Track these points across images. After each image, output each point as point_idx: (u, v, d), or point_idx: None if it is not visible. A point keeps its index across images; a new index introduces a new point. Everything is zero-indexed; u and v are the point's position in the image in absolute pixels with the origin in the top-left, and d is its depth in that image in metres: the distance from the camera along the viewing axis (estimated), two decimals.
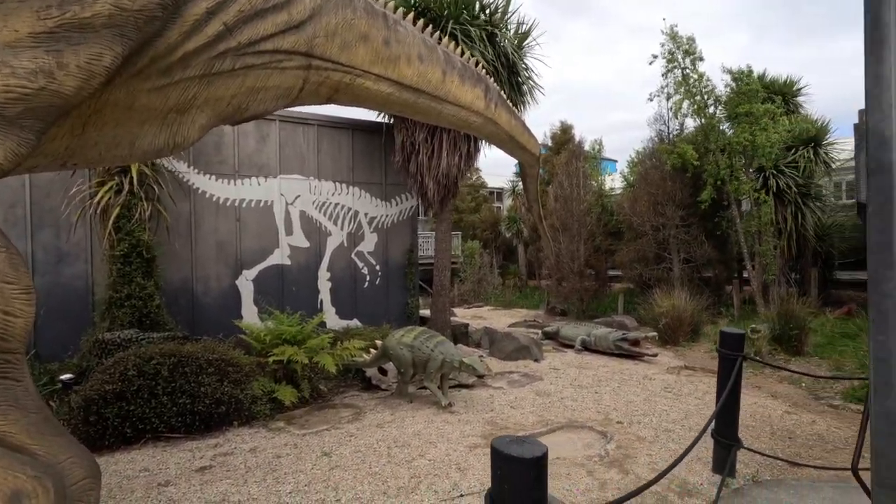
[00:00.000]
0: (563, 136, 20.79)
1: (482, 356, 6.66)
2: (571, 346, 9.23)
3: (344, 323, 8.54)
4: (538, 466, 1.36)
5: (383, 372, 6.37)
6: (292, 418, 5.18)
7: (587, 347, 8.98)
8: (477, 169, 27.56)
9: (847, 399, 5.87)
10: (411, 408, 5.44)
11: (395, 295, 9.35)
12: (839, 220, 12.92)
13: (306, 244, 8.33)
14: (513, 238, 23.02)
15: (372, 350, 5.98)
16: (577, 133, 21.28)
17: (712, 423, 3.80)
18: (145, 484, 3.67)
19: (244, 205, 7.77)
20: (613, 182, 19.91)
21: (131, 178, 6.11)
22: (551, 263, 14.47)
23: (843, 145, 12.71)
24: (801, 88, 14.55)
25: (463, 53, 6.94)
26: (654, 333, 8.91)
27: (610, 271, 16.20)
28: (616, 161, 31.21)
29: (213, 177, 7.51)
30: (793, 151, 12.18)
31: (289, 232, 8.17)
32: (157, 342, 5.25)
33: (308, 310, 7.59)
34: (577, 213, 13.96)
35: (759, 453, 3.96)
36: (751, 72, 11.37)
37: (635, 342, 8.32)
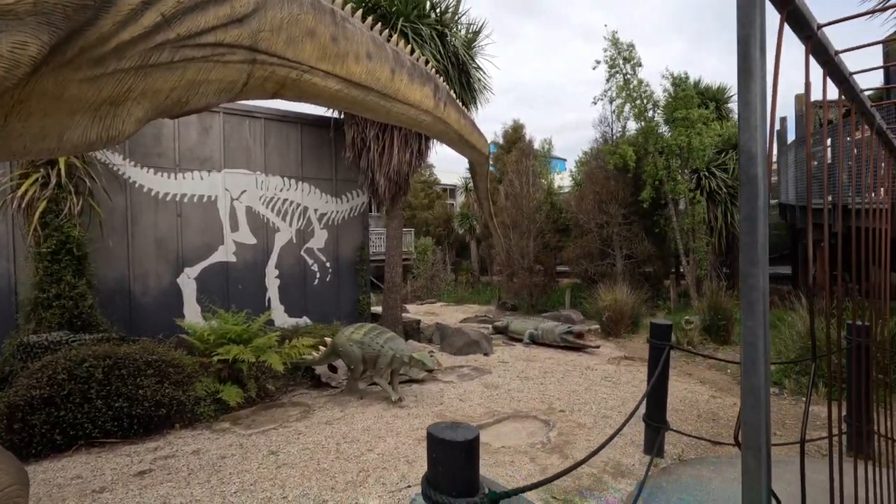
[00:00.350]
0: (515, 135, 21.22)
1: (433, 352, 6.76)
2: (520, 340, 9.51)
3: (293, 321, 8.40)
4: (469, 449, 1.46)
5: (333, 369, 6.35)
6: (238, 419, 5.07)
7: (535, 341, 9.28)
8: (430, 165, 27.66)
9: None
10: (361, 404, 5.46)
11: (347, 292, 9.29)
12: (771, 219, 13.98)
13: (253, 241, 8.12)
14: (465, 235, 23.29)
15: (321, 347, 5.95)
16: (529, 132, 21.76)
17: (643, 409, 4.08)
18: (78, 491, 3.50)
19: (186, 200, 7.47)
20: (562, 180, 20.58)
21: (59, 170, 5.74)
22: (502, 260, 14.80)
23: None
24: (731, 96, 15.61)
25: (413, 52, 6.97)
26: (597, 326, 9.34)
27: (559, 267, 16.77)
28: (566, 160, 32.25)
29: (152, 170, 7.17)
30: (723, 154, 13.06)
31: (234, 228, 7.93)
32: (90, 344, 4.98)
33: (255, 308, 7.42)
34: (526, 211, 14.34)
35: (686, 434, 4.29)
36: (687, 78, 12.09)
37: (580, 335, 8.69)
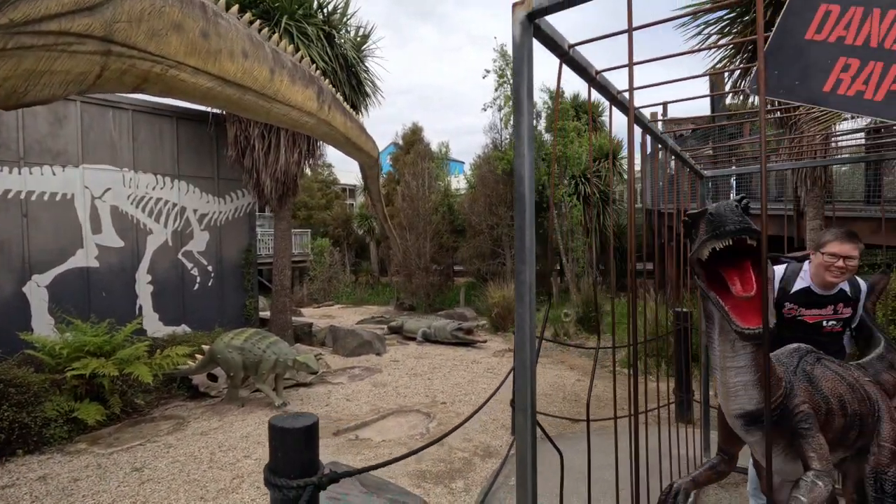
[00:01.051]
0: (413, 137, 21.53)
1: (321, 354, 6.73)
2: (414, 339, 9.78)
3: (170, 329, 7.80)
4: (307, 434, 1.59)
5: (213, 378, 6.05)
6: (98, 438, 4.65)
7: (428, 339, 9.60)
8: (329, 165, 27.03)
9: (622, 365, 7.33)
10: (242, 412, 5.30)
11: (232, 297, 8.83)
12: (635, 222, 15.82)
13: (120, 244, 7.41)
14: (365, 235, 23.14)
15: (198, 356, 5.65)
16: (427, 134, 22.28)
17: (497, 394, 4.50)
18: None
19: (34, 198, 6.61)
20: (459, 183, 21.33)
21: None
22: (399, 260, 14.99)
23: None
24: (604, 110, 17.36)
25: (298, 51, 6.89)
26: (485, 322, 9.91)
27: (455, 267, 17.40)
28: (463, 163, 33.35)
29: None
30: (597, 163, 14.51)
31: (96, 230, 7.18)
32: None
33: (123, 317, 6.78)
34: (422, 212, 14.68)
35: (549, 415, 4.80)
36: (563, 93, 13.23)
37: (469, 331, 9.16)
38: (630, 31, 1.24)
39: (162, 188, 7.90)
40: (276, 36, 3.87)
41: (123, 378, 5.18)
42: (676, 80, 1.85)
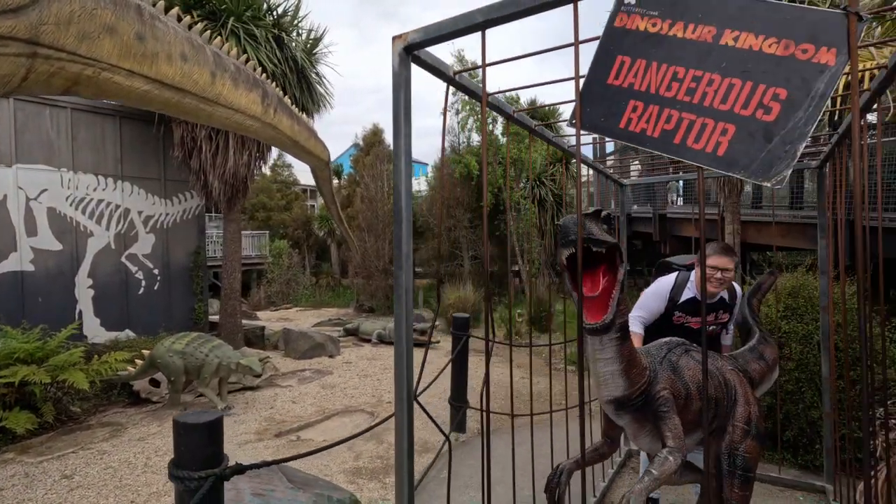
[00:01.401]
0: (374, 138, 21.52)
1: (268, 357, 6.72)
2: (370, 340, 9.85)
3: (112, 335, 7.59)
4: (210, 429, 1.69)
5: (155, 383, 5.96)
6: (28, 447, 4.53)
7: (383, 340, 9.70)
8: (289, 165, 26.64)
9: (568, 363, 7.64)
10: None
11: (180, 301, 8.66)
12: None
13: (58, 247, 7.16)
14: (326, 237, 22.94)
15: (138, 361, 5.56)
16: (389, 136, 22.28)
17: (441, 392, 4.67)
18: None
19: None
20: (420, 185, 21.44)
21: None
22: (358, 262, 14.99)
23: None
24: (561, 114, 17.87)
25: (245, 54, 6.87)
26: (440, 322, 10.07)
27: (416, 269, 17.52)
28: (427, 164, 33.49)
29: None
30: (552, 167, 14.95)
31: (31, 232, 6.92)
32: None
33: (61, 323, 6.55)
34: (381, 214, 14.73)
35: (487, 411, 4.99)
36: (518, 99, 13.58)
37: (423, 332, 9.31)
38: (483, 30, 1.37)
39: (104, 189, 7.68)
40: (218, 39, 3.90)
41: (58, 385, 5.06)
42: (548, 81, 2.04)
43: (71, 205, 7.31)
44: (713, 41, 1.06)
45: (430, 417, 2.07)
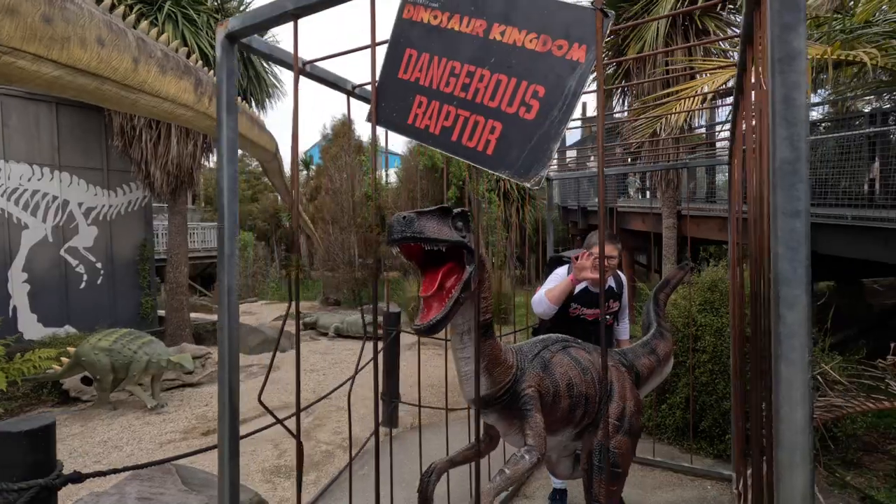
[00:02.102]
0: (342, 129, 21.20)
1: (209, 353, 6.57)
2: (327, 335, 9.75)
3: (50, 331, 7.32)
4: (33, 437, 1.59)
5: (87, 382, 5.76)
6: None
7: (340, 334, 9.61)
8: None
9: None
10: (111, 416, 5.10)
11: (125, 295, 8.40)
12: (553, 217, 16.46)
13: None
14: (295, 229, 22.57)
15: (64, 360, 5.36)
16: (358, 126, 21.98)
17: (350, 386, 4.63)
18: None
19: None
20: (391, 176, 21.22)
21: None
22: (322, 255, 14.81)
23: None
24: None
25: (178, 40, 6.60)
26: (404, 316, 10.02)
27: (386, 261, 17.38)
28: (399, 156, 33.24)
29: None
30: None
31: None
32: None
33: None
34: (346, 206, 14.54)
35: (424, 406, 4.98)
36: None
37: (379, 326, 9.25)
38: (295, 20, 1.30)
39: (39, 179, 7.37)
40: (145, 23, 3.70)
41: None
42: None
43: (2, 196, 6.99)
44: (484, 35, 1.01)
45: (284, 419, 2.01)
